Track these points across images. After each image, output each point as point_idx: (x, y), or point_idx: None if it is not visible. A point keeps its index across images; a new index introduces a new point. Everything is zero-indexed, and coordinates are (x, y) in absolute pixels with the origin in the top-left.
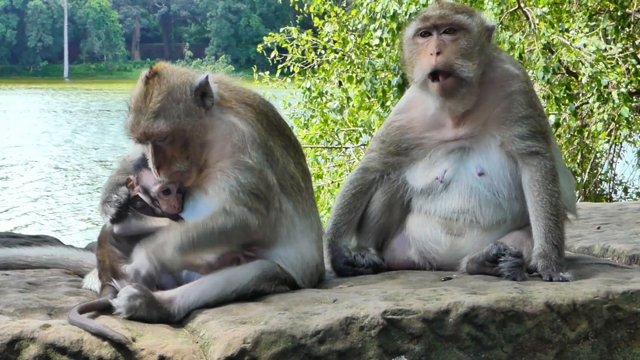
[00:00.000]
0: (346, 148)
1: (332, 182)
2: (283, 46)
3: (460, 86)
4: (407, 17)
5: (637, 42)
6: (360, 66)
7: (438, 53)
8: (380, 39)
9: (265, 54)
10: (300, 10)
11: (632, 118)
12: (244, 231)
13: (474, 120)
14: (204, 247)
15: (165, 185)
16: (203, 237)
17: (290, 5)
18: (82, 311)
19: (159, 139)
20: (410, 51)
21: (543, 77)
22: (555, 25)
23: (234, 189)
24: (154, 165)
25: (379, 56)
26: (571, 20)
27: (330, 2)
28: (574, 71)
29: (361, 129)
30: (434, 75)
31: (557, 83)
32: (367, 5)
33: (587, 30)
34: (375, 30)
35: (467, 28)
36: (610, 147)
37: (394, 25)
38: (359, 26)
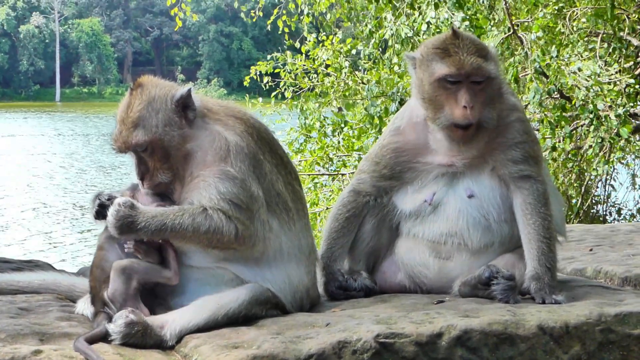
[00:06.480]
0: (342, 174)
1: (327, 208)
2: (276, 71)
3: (479, 133)
4: (422, 35)
5: (631, 65)
6: (356, 92)
7: (471, 107)
8: (398, 65)
9: (258, 79)
10: (287, 39)
11: (631, 139)
12: (217, 238)
13: (472, 150)
14: (172, 238)
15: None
16: (174, 230)
17: (279, 33)
18: (88, 341)
19: (139, 149)
20: (434, 92)
21: (533, 97)
22: (547, 52)
23: (213, 197)
24: (137, 177)
25: (378, 82)
26: (566, 43)
27: (323, 34)
28: (568, 95)
29: (357, 154)
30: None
31: (551, 107)
32: (376, 35)
33: (585, 54)
34: (389, 58)
35: (494, 77)
36: (602, 169)
37: (407, 49)
38: (367, 53)
